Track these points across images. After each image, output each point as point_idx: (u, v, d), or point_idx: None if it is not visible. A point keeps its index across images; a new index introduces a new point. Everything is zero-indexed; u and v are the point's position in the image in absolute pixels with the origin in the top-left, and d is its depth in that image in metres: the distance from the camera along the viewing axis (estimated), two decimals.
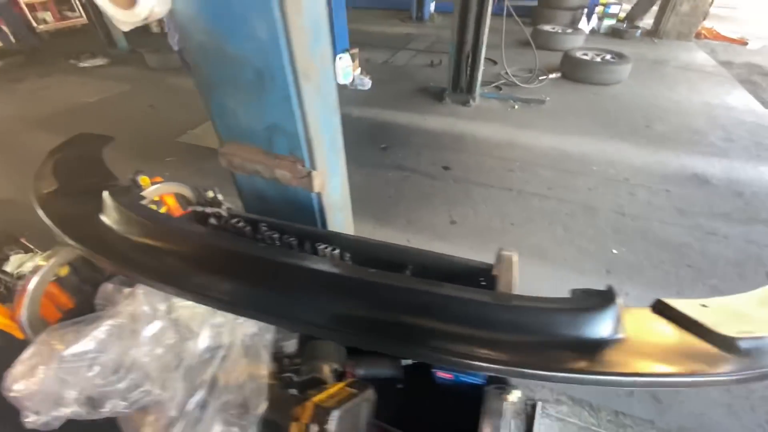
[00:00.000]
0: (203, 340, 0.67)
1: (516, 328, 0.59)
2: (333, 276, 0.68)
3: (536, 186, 2.94)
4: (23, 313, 0.75)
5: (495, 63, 5.15)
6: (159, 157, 3.46)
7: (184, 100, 4.68)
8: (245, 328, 0.70)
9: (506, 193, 2.89)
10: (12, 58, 5.92)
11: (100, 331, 0.65)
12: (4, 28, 6.30)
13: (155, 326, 0.66)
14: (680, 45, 6.14)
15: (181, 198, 1.11)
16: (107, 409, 0.61)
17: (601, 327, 0.59)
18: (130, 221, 0.73)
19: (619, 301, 0.60)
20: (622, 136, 3.56)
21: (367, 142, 3.65)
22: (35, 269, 0.77)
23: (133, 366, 0.64)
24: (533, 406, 1.68)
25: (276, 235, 1.00)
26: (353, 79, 4.88)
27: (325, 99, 1.04)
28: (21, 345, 0.82)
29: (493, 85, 4.61)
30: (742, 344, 0.58)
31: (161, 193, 1.03)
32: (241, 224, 1.04)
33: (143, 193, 0.95)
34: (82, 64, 5.80)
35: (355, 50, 4.90)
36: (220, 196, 1.10)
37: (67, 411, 0.60)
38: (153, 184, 1.02)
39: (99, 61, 5.90)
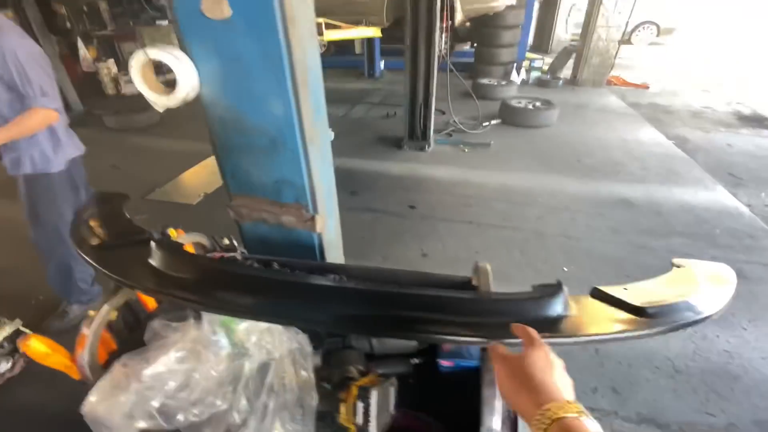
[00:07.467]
0: (257, 355, 0.81)
1: (496, 314, 0.81)
2: (356, 290, 0.88)
3: (492, 218, 3.31)
4: (85, 355, 0.85)
5: (443, 113, 5.75)
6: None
7: (149, 159, 4.74)
8: (289, 343, 0.86)
9: (467, 226, 3.22)
10: None
11: (169, 356, 0.78)
12: None
13: (215, 348, 0.80)
14: (595, 91, 7.20)
15: (198, 246, 1.26)
16: (180, 419, 0.73)
17: (555, 308, 0.83)
18: (181, 263, 0.89)
19: (565, 289, 0.85)
20: (558, 170, 4.11)
21: (337, 188, 3.89)
22: (91, 317, 0.88)
23: (198, 383, 0.77)
24: None
25: (287, 270, 1.18)
26: None
27: (324, 156, 1.28)
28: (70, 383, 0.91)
29: (444, 132, 5.14)
30: (649, 311, 0.84)
31: (187, 242, 1.17)
32: (255, 265, 1.21)
33: (179, 240, 1.10)
34: None
35: None
36: (235, 242, 1.26)
37: (144, 424, 0.72)
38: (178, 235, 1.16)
39: None
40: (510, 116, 5.39)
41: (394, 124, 5.58)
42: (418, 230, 3.21)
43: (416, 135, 4.70)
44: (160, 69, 1.11)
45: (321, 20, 4.88)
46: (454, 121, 5.19)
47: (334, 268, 1.17)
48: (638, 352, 2.11)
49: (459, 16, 5.36)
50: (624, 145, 4.72)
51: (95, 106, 6.20)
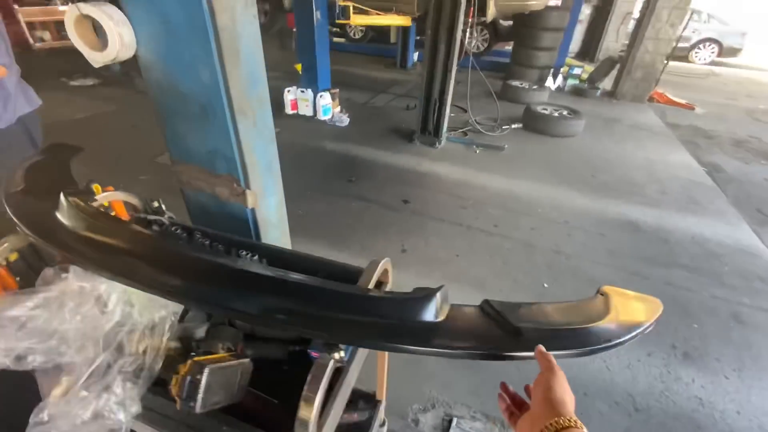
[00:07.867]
0: (116, 315, 0.82)
1: (357, 311, 0.77)
2: (229, 269, 0.86)
3: (484, 223, 3.19)
4: None
5: (465, 111, 5.59)
6: (133, 175, 3.62)
7: None
8: (155, 310, 0.86)
9: (456, 228, 3.13)
10: None
11: (32, 301, 0.80)
12: None
13: (77, 300, 0.81)
14: (634, 107, 6.76)
15: (129, 206, 1.28)
16: (29, 361, 0.75)
17: (422, 313, 0.77)
18: (77, 217, 0.90)
19: (438, 295, 0.79)
20: (568, 183, 3.91)
21: (337, 173, 3.89)
22: None
23: (55, 332, 0.79)
24: (449, 422, 1.81)
25: (207, 242, 1.18)
26: (332, 116, 5.23)
27: (261, 132, 1.26)
28: None
29: (460, 130, 5.01)
30: (526, 333, 0.77)
31: (111, 199, 1.20)
32: (178, 231, 1.21)
33: (96, 197, 1.12)
34: (72, 83, 6.03)
35: (336, 90, 5.28)
36: (164, 206, 1.27)
37: None
38: (104, 191, 1.19)
39: (89, 81, 6.14)
40: (532, 122, 5.17)
41: (411, 116, 5.47)
42: (406, 225, 3.15)
43: (428, 130, 4.60)
44: None
45: (350, 3, 4.83)
46: (473, 120, 5.04)
47: (251, 246, 1.15)
48: (599, 382, 1.98)
49: (491, 12, 5.16)
50: (648, 166, 4.42)
51: (132, 67, 6.47)
